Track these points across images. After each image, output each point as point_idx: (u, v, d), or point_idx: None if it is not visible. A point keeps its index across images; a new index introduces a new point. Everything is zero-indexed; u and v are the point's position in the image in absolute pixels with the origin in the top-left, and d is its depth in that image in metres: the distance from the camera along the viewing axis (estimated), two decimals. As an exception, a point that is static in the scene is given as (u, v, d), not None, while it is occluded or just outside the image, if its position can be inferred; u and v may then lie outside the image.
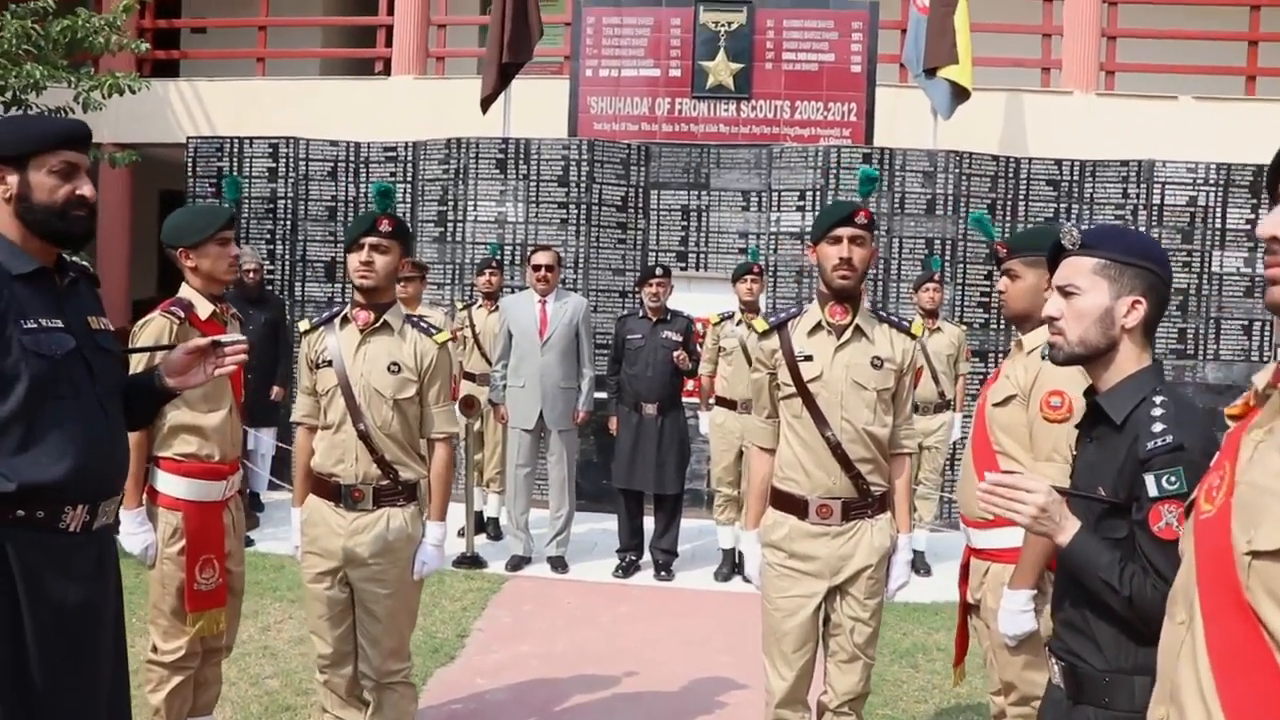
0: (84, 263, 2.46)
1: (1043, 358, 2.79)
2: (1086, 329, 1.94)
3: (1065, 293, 1.97)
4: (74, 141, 2.28)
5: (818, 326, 3.02)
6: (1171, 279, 1.99)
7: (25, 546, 2.13)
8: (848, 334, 3.00)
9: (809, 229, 7.82)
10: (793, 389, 3.00)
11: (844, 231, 2.90)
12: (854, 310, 3.01)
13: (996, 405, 2.85)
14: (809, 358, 2.99)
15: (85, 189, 2.27)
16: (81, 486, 2.20)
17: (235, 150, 8.53)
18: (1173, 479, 1.79)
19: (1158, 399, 1.87)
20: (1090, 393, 2.02)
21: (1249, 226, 7.90)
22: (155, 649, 3.25)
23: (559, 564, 6.23)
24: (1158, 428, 1.83)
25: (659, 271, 6.21)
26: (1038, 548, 2.72)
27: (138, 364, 3.06)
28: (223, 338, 2.48)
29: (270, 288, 7.97)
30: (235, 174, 8.45)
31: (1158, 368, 1.96)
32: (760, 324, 3.10)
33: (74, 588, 2.21)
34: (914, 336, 3.07)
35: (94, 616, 2.28)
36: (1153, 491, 1.81)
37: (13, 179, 2.21)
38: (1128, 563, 1.85)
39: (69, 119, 2.46)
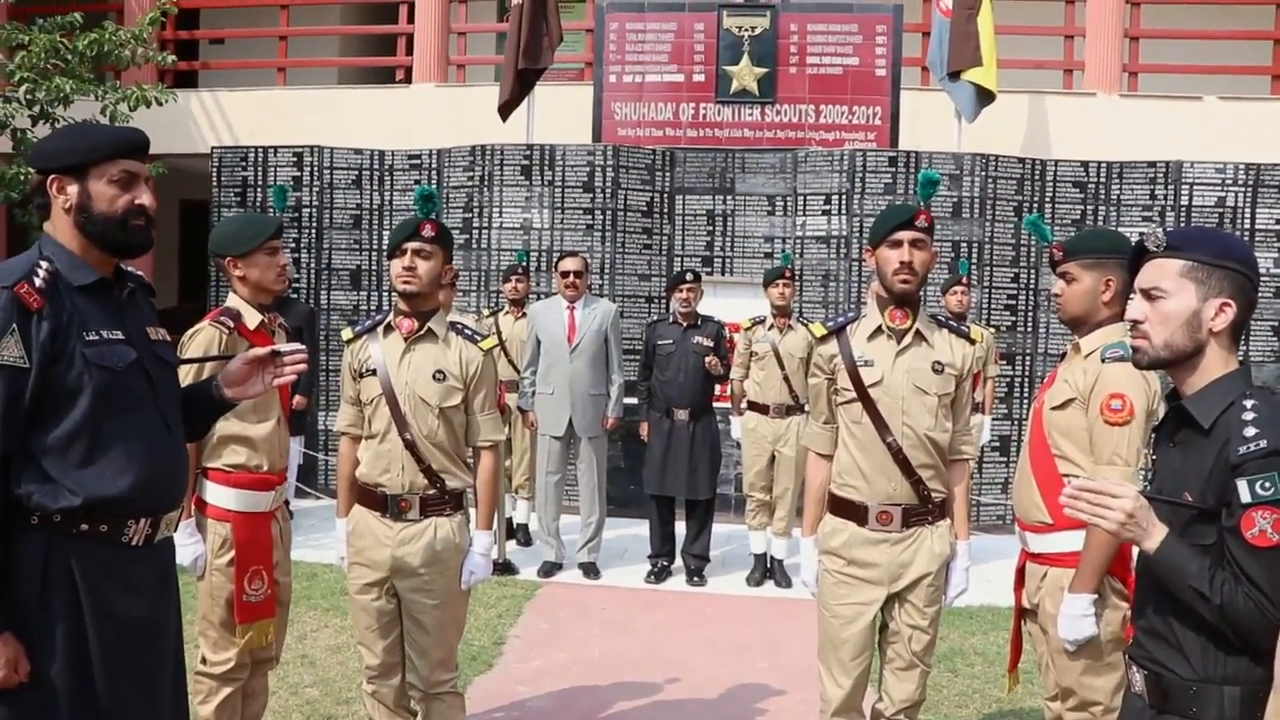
0: (139, 272, 2.42)
1: (1102, 360, 2.77)
2: (1173, 332, 1.90)
3: (1150, 295, 1.93)
4: (134, 150, 2.23)
5: (877, 331, 2.99)
6: (1259, 280, 1.95)
7: (89, 560, 2.12)
8: (908, 338, 2.97)
9: (834, 233, 7.81)
10: (852, 394, 2.97)
11: (904, 235, 2.87)
12: (914, 314, 2.98)
13: (1055, 409, 2.82)
14: (869, 363, 2.96)
15: (145, 198, 2.23)
16: (145, 500, 2.18)
17: (260, 160, 8.53)
18: (1267, 484, 1.75)
19: (1248, 402, 1.83)
20: (1173, 397, 1.98)
21: (1279, 227, 7.84)
22: (204, 660, 3.23)
23: (591, 570, 6.21)
24: (1250, 432, 1.79)
25: (689, 277, 6.18)
26: (1099, 552, 2.69)
27: (186, 375, 3.04)
28: (281, 347, 2.45)
29: (295, 295, 7.97)
30: (260, 183, 8.46)
31: (1245, 371, 1.92)
32: (819, 329, 3.07)
33: (136, 601, 2.20)
34: (974, 342, 3.04)
35: (155, 629, 2.26)
36: (1245, 497, 1.77)
37: (73, 189, 2.17)
38: (1218, 570, 1.81)
39: (127, 127, 2.42)
